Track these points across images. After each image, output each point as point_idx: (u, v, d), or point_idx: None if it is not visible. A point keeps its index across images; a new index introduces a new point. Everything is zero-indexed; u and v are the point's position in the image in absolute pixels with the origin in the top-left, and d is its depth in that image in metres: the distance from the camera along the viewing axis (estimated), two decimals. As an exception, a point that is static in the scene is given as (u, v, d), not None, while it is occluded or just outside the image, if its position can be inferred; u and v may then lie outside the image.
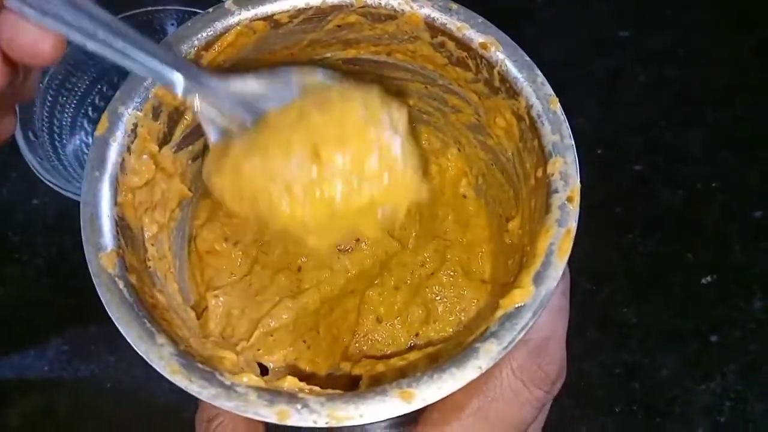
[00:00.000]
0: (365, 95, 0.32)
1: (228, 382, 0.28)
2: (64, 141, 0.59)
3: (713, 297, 0.56)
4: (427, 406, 0.32)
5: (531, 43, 0.65)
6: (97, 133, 0.33)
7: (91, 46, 0.28)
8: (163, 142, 0.36)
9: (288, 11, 0.36)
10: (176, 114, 0.36)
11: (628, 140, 0.63)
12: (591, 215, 0.57)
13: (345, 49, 0.40)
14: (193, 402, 0.35)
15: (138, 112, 0.34)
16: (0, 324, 0.57)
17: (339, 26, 0.38)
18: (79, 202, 0.32)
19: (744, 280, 0.57)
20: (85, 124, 0.61)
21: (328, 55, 0.41)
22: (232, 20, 0.36)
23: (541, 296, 0.30)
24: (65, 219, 0.61)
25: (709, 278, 0.57)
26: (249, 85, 0.34)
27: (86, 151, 0.61)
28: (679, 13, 0.70)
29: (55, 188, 0.52)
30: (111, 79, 0.62)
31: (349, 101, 0.32)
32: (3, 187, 0.62)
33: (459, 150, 0.45)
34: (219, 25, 0.35)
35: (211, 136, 0.33)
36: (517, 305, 0.30)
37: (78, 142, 0.60)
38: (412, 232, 0.45)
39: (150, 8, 0.61)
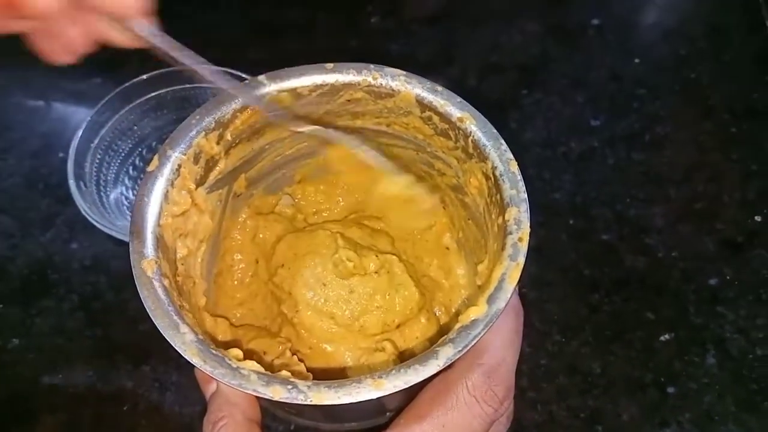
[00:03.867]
0: None
1: (234, 365, 0.33)
2: (108, 192, 0.64)
3: (671, 352, 0.58)
4: (397, 414, 0.37)
5: (516, 127, 0.74)
6: (148, 169, 0.39)
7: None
8: (199, 183, 0.42)
9: (308, 86, 0.42)
10: (212, 162, 0.42)
11: (597, 212, 0.66)
12: (563, 276, 0.64)
13: (353, 119, 0.46)
14: (199, 422, 0.39)
15: (183, 156, 0.39)
16: (34, 350, 0.59)
17: (348, 101, 0.44)
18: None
19: (699, 338, 0.58)
20: (126, 180, 0.66)
21: (339, 124, 0.46)
22: (263, 90, 0.41)
23: (492, 312, 0.34)
24: (100, 262, 0.64)
25: (667, 336, 0.59)
26: None
27: (125, 202, 0.65)
28: (645, 103, 0.73)
29: (99, 226, 0.56)
30: (150, 144, 0.68)
31: None
32: (48, 231, 0.66)
33: (444, 208, 0.50)
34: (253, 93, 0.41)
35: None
36: (472, 319, 0.34)
37: (119, 193, 0.65)
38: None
39: (188, 86, 0.66)
